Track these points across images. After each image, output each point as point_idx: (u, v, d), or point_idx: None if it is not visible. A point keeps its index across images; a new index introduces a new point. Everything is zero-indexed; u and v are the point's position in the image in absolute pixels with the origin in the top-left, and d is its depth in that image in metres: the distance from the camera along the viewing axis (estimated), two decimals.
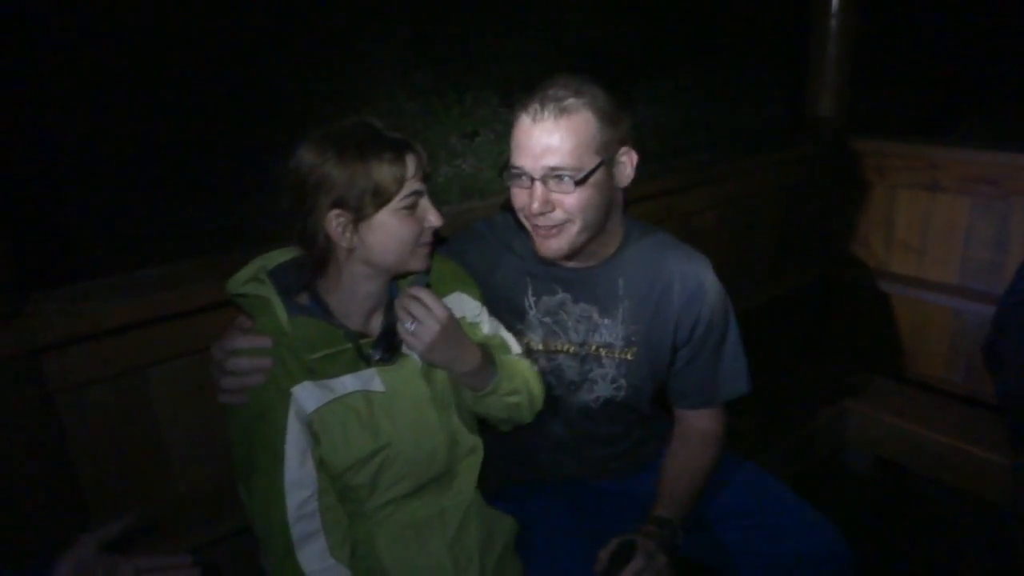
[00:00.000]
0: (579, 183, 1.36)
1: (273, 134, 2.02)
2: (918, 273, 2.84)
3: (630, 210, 1.62)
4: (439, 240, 1.35)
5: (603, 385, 1.57)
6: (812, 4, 2.86)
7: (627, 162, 1.44)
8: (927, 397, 2.72)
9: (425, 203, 1.25)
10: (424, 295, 1.26)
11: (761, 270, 2.82)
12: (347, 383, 1.25)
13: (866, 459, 2.80)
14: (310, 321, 1.23)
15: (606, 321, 1.54)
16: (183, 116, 1.90)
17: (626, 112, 1.44)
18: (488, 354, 1.35)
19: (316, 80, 2.10)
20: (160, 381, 1.49)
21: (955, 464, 2.47)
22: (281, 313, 1.22)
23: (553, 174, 1.36)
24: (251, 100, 2.01)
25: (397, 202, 1.20)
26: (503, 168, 1.43)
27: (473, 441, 1.38)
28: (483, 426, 1.45)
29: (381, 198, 1.19)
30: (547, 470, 1.66)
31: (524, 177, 1.38)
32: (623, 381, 1.56)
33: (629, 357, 1.55)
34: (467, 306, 1.40)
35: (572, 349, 1.55)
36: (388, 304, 1.32)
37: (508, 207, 1.51)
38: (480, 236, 1.59)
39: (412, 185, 1.21)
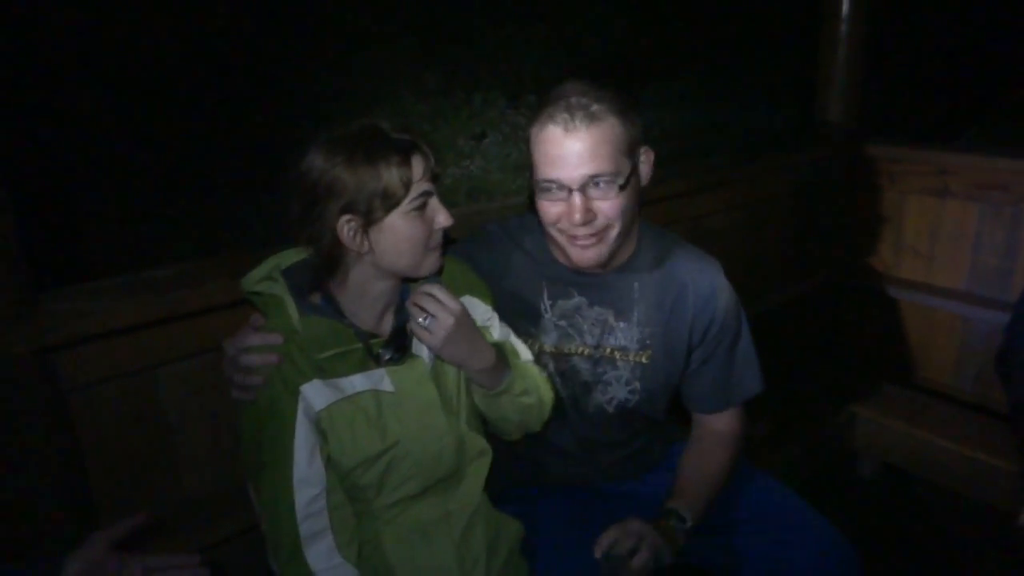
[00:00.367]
0: (622, 187, 1.36)
1: (284, 134, 2.03)
2: (927, 279, 2.83)
3: (640, 213, 1.62)
4: (448, 241, 1.35)
5: (617, 387, 1.57)
6: (822, 8, 2.86)
7: (647, 161, 1.45)
8: (935, 404, 2.70)
9: (435, 204, 1.25)
10: (437, 291, 1.26)
11: (770, 275, 2.81)
12: (356, 382, 1.25)
13: (874, 466, 2.79)
14: (321, 320, 1.24)
15: (621, 324, 1.53)
16: (195, 116, 1.91)
17: (637, 109, 1.44)
18: (501, 353, 1.35)
19: (327, 81, 2.10)
20: (170, 380, 1.49)
21: (963, 471, 2.46)
22: (293, 312, 1.22)
23: (593, 182, 1.35)
24: (263, 101, 2.01)
25: (406, 204, 1.20)
26: (528, 186, 1.43)
27: (482, 445, 1.38)
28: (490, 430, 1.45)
29: (390, 201, 1.19)
30: (554, 473, 1.66)
31: (559, 189, 1.37)
32: (637, 384, 1.56)
33: (644, 360, 1.55)
34: (477, 310, 1.40)
35: (586, 352, 1.55)
36: (399, 304, 1.32)
37: (523, 212, 1.51)
38: (492, 238, 1.59)
39: (421, 186, 1.21)
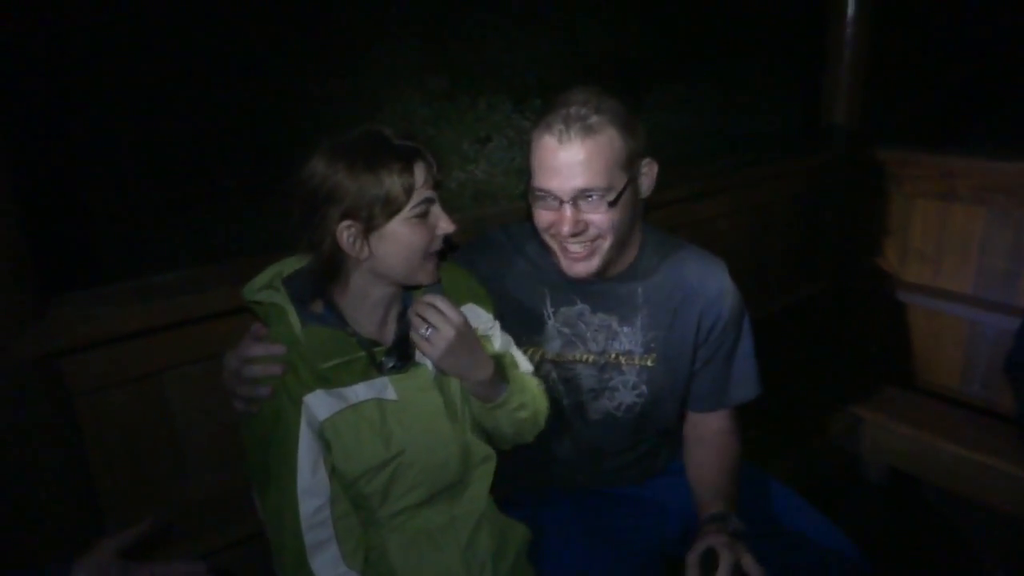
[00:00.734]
0: (612, 203, 1.35)
1: (287, 138, 2.03)
2: (933, 283, 2.83)
3: (645, 218, 1.61)
4: (452, 247, 1.35)
5: (624, 392, 1.56)
6: (828, 11, 2.86)
7: (649, 173, 1.44)
8: (942, 408, 2.70)
9: (436, 210, 1.25)
10: (439, 301, 1.26)
11: (776, 278, 2.81)
12: (360, 392, 1.24)
13: (881, 470, 2.78)
14: (323, 330, 1.23)
15: (625, 329, 1.53)
16: (198, 120, 1.91)
17: (641, 122, 1.43)
18: (500, 366, 1.35)
19: (330, 85, 2.11)
20: (176, 385, 1.50)
21: (970, 476, 2.45)
22: (294, 321, 1.22)
23: (584, 195, 1.35)
24: (266, 105, 2.02)
25: (408, 211, 1.20)
26: (525, 190, 1.42)
27: (486, 450, 1.38)
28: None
29: (392, 207, 1.19)
30: (560, 478, 1.66)
31: (552, 199, 1.37)
32: (644, 388, 1.56)
33: (649, 363, 1.55)
34: (479, 318, 1.39)
35: (591, 359, 1.54)
36: (402, 312, 1.32)
37: (525, 217, 1.51)
38: (494, 245, 1.59)
39: (422, 193, 1.21)
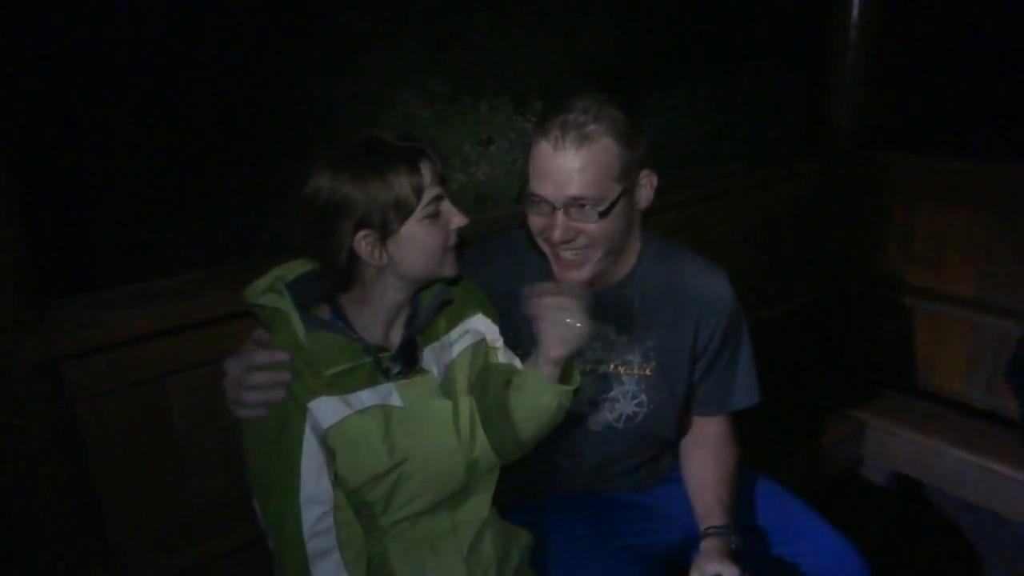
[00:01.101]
0: (603, 214, 1.35)
1: (289, 142, 2.03)
2: (937, 286, 2.82)
3: (645, 225, 1.60)
4: (463, 241, 1.34)
5: (624, 403, 1.56)
6: (832, 15, 2.85)
7: (647, 184, 1.43)
8: (945, 412, 2.69)
9: (447, 207, 1.24)
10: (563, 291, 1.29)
11: (777, 282, 2.80)
12: (364, 398, 1.23)
13: (883, 474, 2.77)
14: (328, 335, 1.22)
15: (623, 339, 1.52)
16: (199, 123, 1.91)
17: (643, 132, 1.42)
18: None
19: (332, 87, 2.11)
20: (178, 390, 1.49)
21: (973, 480, 2.44)
22: (298, 327, 1.21)
23: (575, 203, 1.34)
24: (268, 108, 2.02)
25: (420, 211, 1.20)
26: (520, 194, 1.42)
27: (492, 460, 1.36)
28: None
29: (404, 210, 1.18)
30: (563, 485, 1.65)
31: (544, 205, 1.37)
32: (644, 397, 1.55)
33: (648, 372, 1.54)
34: (489, 329, 1.40)
35: (588, 368, 1.53)
36: (410, 317, 1.32)
37: (525, 223, 1.50)
38: (496, 254, 1.57)
39: (432, 191, 1.21)
